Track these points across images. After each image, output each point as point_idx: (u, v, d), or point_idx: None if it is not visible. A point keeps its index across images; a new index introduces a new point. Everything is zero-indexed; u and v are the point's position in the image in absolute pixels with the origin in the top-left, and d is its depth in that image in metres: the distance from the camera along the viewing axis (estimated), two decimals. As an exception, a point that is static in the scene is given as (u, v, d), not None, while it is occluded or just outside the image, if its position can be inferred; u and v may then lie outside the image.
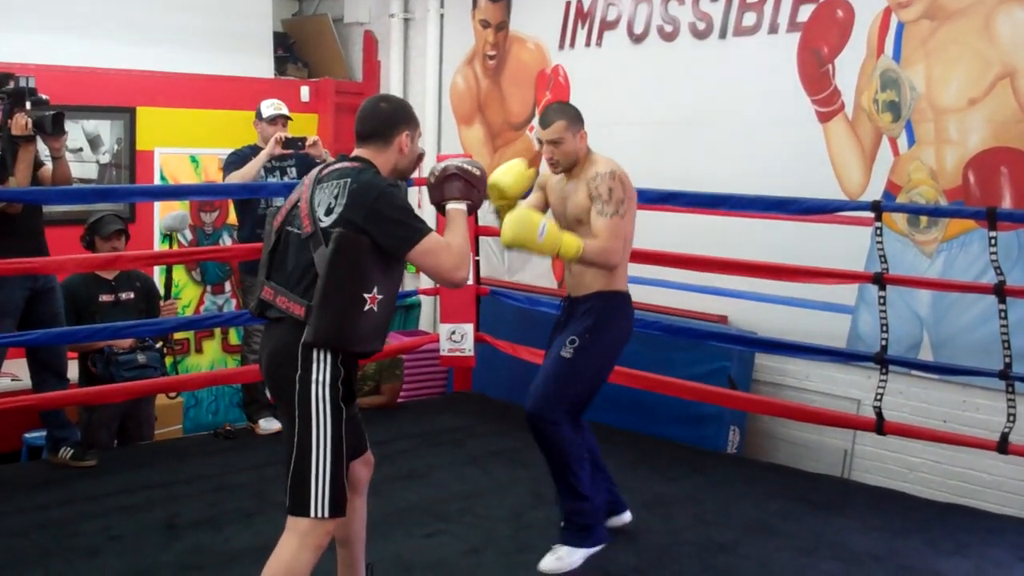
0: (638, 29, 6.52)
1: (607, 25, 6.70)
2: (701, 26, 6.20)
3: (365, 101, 3.32)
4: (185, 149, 7.27)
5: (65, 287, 5.21)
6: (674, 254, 5.50)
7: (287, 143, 5.64)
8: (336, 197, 3.05)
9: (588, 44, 6.83)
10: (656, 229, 5.99)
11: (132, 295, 5.49)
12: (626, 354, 5.69)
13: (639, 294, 6.18)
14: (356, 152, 3.24)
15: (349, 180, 3.07)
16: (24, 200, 4.77)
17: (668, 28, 6.37)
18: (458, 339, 6.03)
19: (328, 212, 3.05)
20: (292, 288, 3.11)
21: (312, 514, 3.01)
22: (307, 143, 5.67)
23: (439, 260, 3.06)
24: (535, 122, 7.14)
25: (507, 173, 3.99)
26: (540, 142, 4.05)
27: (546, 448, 3.93)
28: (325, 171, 3.19)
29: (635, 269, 5.92)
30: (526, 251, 3.91)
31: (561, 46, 6.98)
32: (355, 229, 3.01)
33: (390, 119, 3.23)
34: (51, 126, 4.71)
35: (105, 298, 5.40)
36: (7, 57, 5.93)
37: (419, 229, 3.05)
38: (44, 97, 4.83)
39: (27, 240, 4.85)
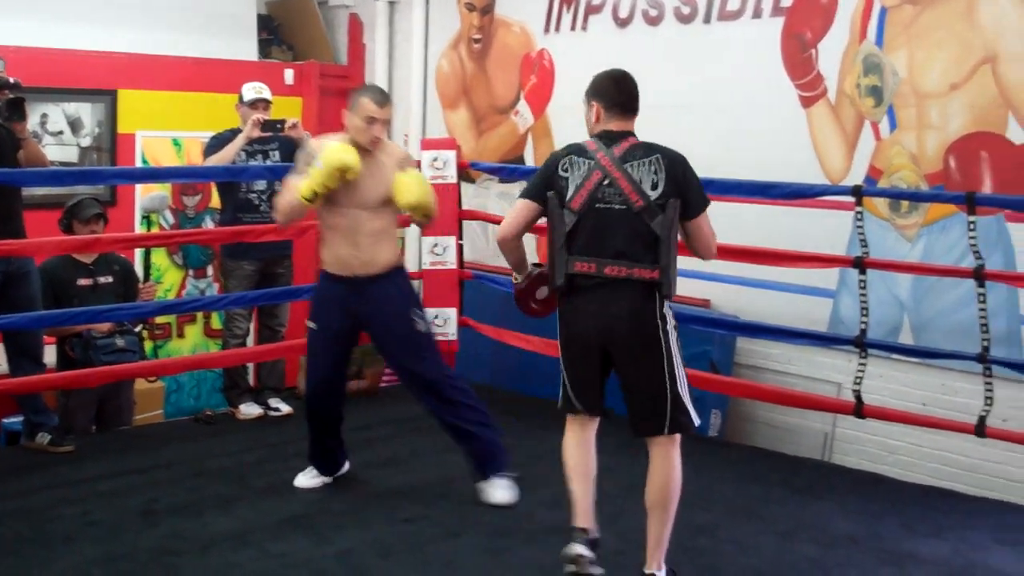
0: (623, 13, 6.49)
1: (592, 9, 6.66)
2: (686, 10, 6.17)
3: (614, 77, 3.71)
4: (167, 132, 7.19)
5: (43, 270, 5.18)
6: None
7: (265, 126, 5.60)
8: (656, 173, 3.47)
9: (573, 28, 6.79)
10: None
11: (111, 279, 5.46)
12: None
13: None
14: (621, 127, 3.60)
15: (659, 156, 3.50)
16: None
17: (653, 12, 6.34)
18: (441, 323, 6.01)
19: (654, 187, 3.47)
20: (633, 256, 3.48)
21: (693, 429, 3.65)
22: (286, 125, 5.63)
23: (710, 231, 3.61)
24: (519, 106, 7.20)
25: (346, 151, 4.14)
26: (372, 120, 4.20)
27: (453, 407, 4.45)
28: (623, 152, 3.51)
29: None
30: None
31: (546, 30, 6.95)
32: (675, 196, 3.48)
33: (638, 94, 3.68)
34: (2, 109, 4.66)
35: (83, 282, 5.37)
36: (-13, 39, 5.89)
37: (708, 199, 3.58)
38: (11, 80, 4.76)
39: (3, 223, 4.79)
